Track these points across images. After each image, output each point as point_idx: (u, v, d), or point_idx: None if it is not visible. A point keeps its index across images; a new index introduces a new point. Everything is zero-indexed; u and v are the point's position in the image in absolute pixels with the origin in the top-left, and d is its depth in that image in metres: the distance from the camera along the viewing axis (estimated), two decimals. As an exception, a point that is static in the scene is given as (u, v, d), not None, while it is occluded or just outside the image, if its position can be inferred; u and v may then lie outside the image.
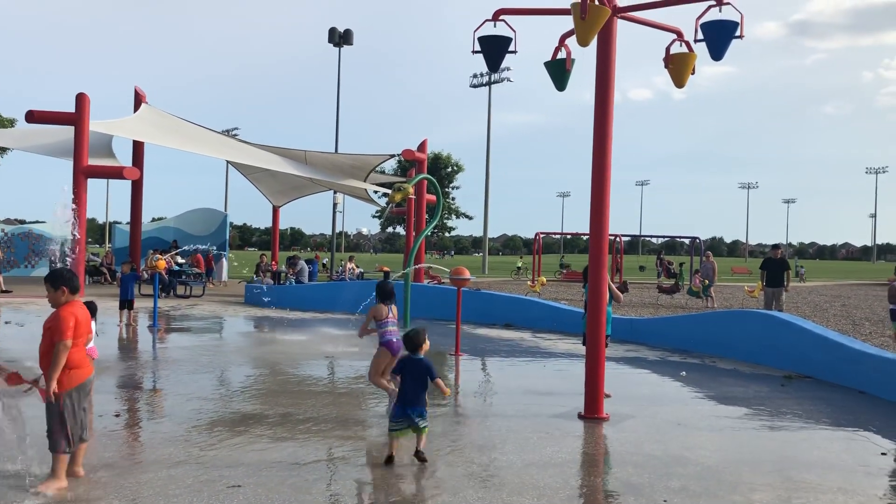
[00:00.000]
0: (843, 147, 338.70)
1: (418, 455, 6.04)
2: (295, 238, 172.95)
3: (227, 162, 42.01)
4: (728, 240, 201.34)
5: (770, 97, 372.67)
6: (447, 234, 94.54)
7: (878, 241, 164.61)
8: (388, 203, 17.70)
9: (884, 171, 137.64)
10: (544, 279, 29.28)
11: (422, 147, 28.45)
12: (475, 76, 62.55)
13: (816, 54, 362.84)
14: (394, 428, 6.13)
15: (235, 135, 53.60)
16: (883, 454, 6.81)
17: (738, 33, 7.34)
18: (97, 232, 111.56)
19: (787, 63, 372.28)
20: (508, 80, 60.97)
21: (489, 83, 60.38)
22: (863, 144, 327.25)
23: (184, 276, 24.93)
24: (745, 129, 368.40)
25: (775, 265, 17.49)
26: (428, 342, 6.45)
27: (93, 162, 22.55)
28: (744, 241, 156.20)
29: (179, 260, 26.54)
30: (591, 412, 7.85)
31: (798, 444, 7.24)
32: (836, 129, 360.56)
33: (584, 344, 8.96)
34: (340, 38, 41.51)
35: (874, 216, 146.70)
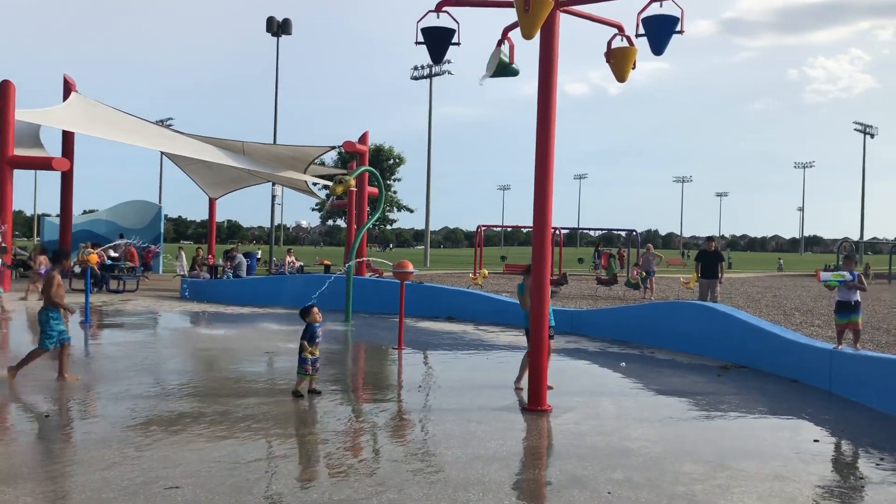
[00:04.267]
0: (772, 142, 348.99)
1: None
2: (232, 231, 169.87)
3: (162, 153, 40.95)
4: (663, 232, 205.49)
5: (703, 93, 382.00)
6: (388, 227, 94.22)
7: (806, 234, 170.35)
8: (328, 195, 17.50)
9: (811, 166, 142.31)
10: (486, 272, 29.40)
11: (363, 139, 28.21)
12: (416, 68, 62.28)
13: (746, 52, 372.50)
14: (299, 372, 8.33)
15: (170, 125, 52.32)
16: (816, 441, 7.00)
17: (678, 28, 7.42)
18: (25, 225, 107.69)
19: (719, 60, 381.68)
20: (449, 72, 60.92)
21: (430, 76, 60.23)
22: (791, 140, 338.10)
23: (117, 271, 24.22)
24: (680, 124, 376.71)
25: (710, 257, 17.89)
26: (316, 314, 8.38)
27: (19, 152, 21.67)
28: (678, 233, 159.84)
29: (112, 253, 25.78)
30: (535, 404, 7.87)
31: (736, 432, 7.40)
32: (766, 125, 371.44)
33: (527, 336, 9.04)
34: (279, 28, 40.83)
35: (802, 209, 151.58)
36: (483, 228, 37.03)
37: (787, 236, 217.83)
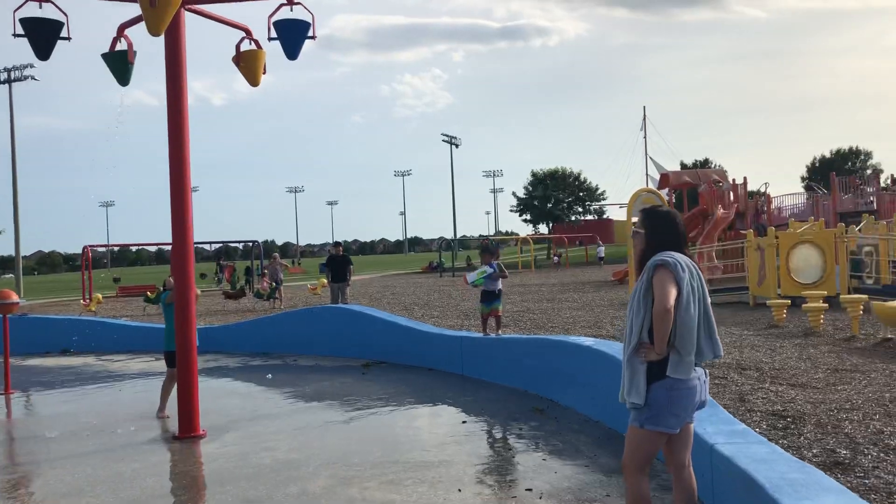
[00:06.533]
0: (373, 152, 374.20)
1: None
2: None
3: None
4: (280, 241, 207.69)
5: (307, 106, 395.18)
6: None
7: (409, 235, 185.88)
8: None
9: (409, 174, 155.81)
10: (100, 297, 26.81)
11: (-71, 153, 23.84)
12: (-11, 73, 54.48)
13: (342, 68, 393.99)
14: None
15: None
16: (464, 422, 7.54)
17: (310, 33, 7.44)
18: None
19: (319, 74, 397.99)
20: (33, 77, 54.48)
21: (9, 80, 53.23)
22: (389, 150, 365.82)
23: None
24: (287, 136, 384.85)
25: (338, 262, 18.45)
26: None
27: None
28: (295, 242, 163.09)
29: None
30: (188, 431, 7.31)
31: (394, 426, 7.67)
32: (366, 136, 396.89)
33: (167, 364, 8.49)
34: None
35: (404, 214, 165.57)
36: (90, 249, 33.70)
37: (393, 239, 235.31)
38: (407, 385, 9.69)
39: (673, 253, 3.76)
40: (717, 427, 4.64)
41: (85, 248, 32.90)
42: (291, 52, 7.40)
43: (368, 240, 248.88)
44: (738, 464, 3.92)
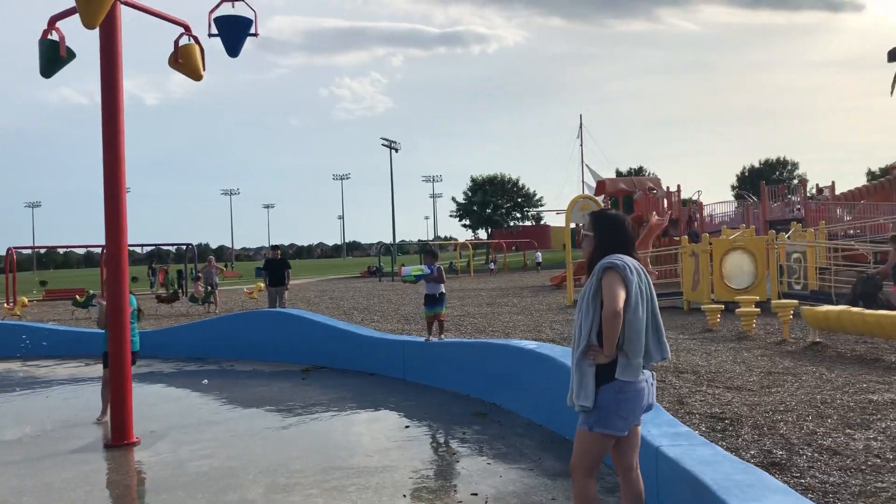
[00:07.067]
0: (311, 156, 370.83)
1: None
2: None
3: None
4: (214, 245, 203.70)
5: (243, 107, 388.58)
6: None
7: (347, 240, 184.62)
8: None
9: (347, 178, 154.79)
10: (25, 300, 25.80)
11: None
12: None
13: (280, 69, 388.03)
14: None
15: None
16: (407, 427, 7.48)
17: (252, 30, 7.28)
18: None
19: (255, 76, 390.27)
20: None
21: (-72, 75, 50.92)
22: (327, 153, 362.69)
23: None
24: (223, 137, 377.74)
25: (276, 265, 18.18)
26: None
27: None
28: (229, 245, 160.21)
29: None
30: (120, 439, 7.05)
31: (336, 432, 7.54)
32: (304, 140, 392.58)
33: (105, 366, 8.19)
34: None
35: (342, 218, 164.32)
36: (15, 251, 32.42)
37: (331, 243, 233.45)
38: (348, 390, 9.57)
39: (622, 255, 3.78)
40: (661, 429, 4.69)
41: (9, 249, 31.65)
42: (233, 48, 7.23)
43: (306, 244, 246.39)
44: (683, 466, 3.95)
